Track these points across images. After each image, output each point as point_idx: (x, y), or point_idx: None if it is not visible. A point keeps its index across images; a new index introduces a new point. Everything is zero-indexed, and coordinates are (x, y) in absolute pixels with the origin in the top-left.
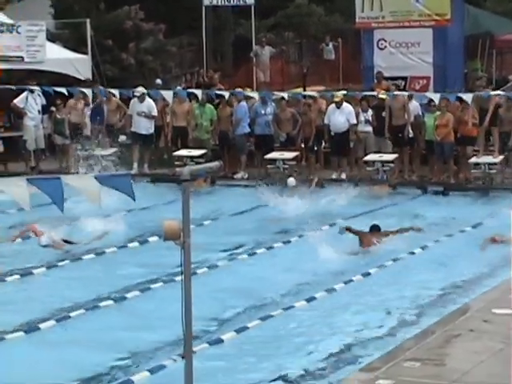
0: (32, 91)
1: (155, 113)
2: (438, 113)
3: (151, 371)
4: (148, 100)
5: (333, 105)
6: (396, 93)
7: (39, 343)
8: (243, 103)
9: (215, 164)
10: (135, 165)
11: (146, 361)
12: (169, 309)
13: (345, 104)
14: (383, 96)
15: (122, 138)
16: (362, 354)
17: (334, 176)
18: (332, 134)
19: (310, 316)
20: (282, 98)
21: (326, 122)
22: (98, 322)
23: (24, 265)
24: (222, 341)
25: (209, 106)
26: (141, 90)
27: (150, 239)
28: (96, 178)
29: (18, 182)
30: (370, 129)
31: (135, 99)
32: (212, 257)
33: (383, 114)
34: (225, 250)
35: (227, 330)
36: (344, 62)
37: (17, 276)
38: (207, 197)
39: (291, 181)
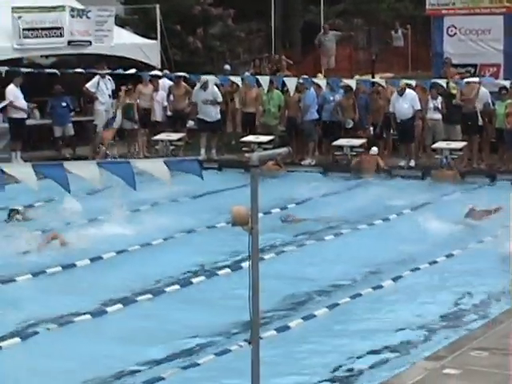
0: (103, 76)
1: (220, 99)
2: (509, 101)
3: (217, 354)
4: (211, 87)
5: (395, 92)
6: (467, 80)
7: (108, 324)
8: (311, 90)
9: (284, 150)
10: (202, 151)
11: (212, 345)
12: (235, 295)
13: (408, 90)
14: (453, 85)
15: (190, 123)
16: (429, 341)
17: (401, 163)
18: (398, 121)
19: (377, 301)
20: (348, 86)
21: (391, 109)
22: (164, 306)
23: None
24: (288, 327)
25: (276, 91)
26: (203, 78)
27: (218, 225)
28: (165, 162)
29: (89, 166)
30: (439, 116)
31: (198, 87)
32: (280, 243)
33: (453, 101)
34: (293, 236)
35: (294, 317)
36: (413, 48)
37: (87, 261)
38: (274, 183)
39: (374, 150)
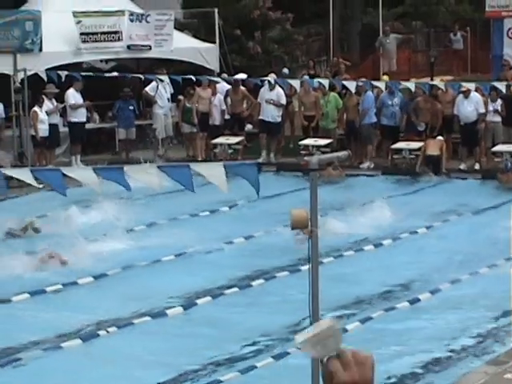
0: (161, 80)
1: (284, 101)
2: None
3: (275, 357)
4: (278, 88)
5: (461, 95)
6: None
7: (169, 328)
8: (370, 93)
9: (344, 153)
10: (263, 153)
11: (270, 349)
12: (294, 297)
13: (473, 93)
14: None
15: (249, 126)
16: (489, 346)
17: (461, 167)
18: (462, 123)
19: (438, 306)
20: (413, 90)
21: (455, 112)
22: (223, 309)
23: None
24: (346, 330)
25: (333, 94)
26: (272, 77)
27: (277, 228)
28: (224, 166)
29: (148, 169)
30: (498, 119)
31: (265, 87)
32: (339, 246)
33: None
34: (352, 240)
35: (352, 320)
36: (472, 51)
37: (146, 262)
38: (333, 186)
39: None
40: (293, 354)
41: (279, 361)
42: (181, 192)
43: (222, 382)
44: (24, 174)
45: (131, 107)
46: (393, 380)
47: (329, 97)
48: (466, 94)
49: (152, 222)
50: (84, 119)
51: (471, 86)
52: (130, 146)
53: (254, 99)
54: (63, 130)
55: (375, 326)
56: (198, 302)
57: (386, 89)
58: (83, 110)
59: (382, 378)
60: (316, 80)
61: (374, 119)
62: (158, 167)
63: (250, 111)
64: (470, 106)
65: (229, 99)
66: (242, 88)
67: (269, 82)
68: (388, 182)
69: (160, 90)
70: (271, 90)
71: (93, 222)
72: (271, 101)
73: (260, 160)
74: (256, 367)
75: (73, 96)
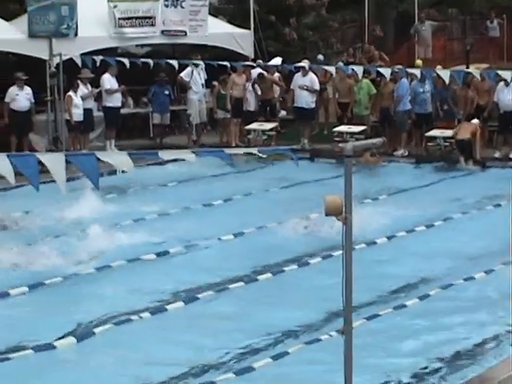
0: (196, 65)
1: (317, 87)
2: None
3: (307, 343)
4: (311, 74)
5: (501, 83)
6: None
7: (202, 311)
8: (404, 80)
9: (379, 140)
10: (303, 140)
11: (302, 335)
12: (327, 284)
13: None
14: None
15: (283, 113)
16: None
17: (496, 155)
18: (501, 112)
19: (472, 298)
20: (447, 77)
21: (495, 99)
22: (255, 295)
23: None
24: (378, 315)
25: (366, 81)
26: (305, 63)
27: (310, 215)
28: (259, 151)
29: (184, 154)
30: None
31: (298, 73)
32: (371, 233)
33: None
34: (385, 227)
35: (384, 307)
36: (509, 38)
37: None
38: (368, 173)
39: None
40: (324, 341)
41: (309, 347)
42: (212, 177)
43: (253, 368)
44: (58, 159)
45: (166, 92)
46: (427, 369)
47: (361, 83)
48: (507, 82)
49: (187, 206)
50: (119, 104)
51: (507, 74)
52: (165, 132)
53: (283, 85)
54: (97, 114)
55: (409, 314)
56: (230, 286)
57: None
58: (118, 95)
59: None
60: (350, 67)
61: (409, 106)
62: (194, 151)
63: (286, 97)
64: (510, 94)
65: (257, 87)
66: (270, 76)
67: (302, 67)
68: (422, 169)
69: (195, 75)
70: (304, 75)
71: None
72: (304, 87)
73: (294, 146)
74: (288, 353)
75: (108, 81)
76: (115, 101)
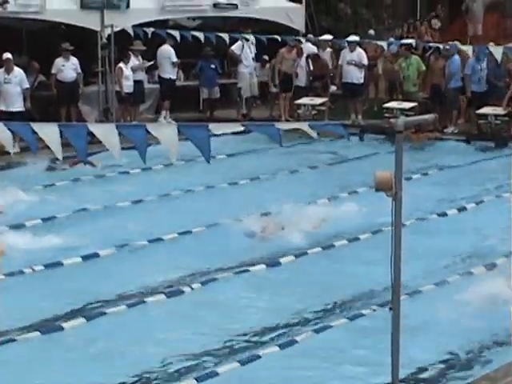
0: (247, 39)
1: (365, 62)
2: None
3: (350, 318)
4: (359, 49)
5: None
6: None
7: (252, 283)
8: (456, 57)
9: (430, 116)
10: (353, 116)
11: (346, 309)
12: (375, 260)
13: None
14: None
15: (333, 88)
16: None
17: None
18: None
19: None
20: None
21: None
22: (307, 266)
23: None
24: (419, 292)
25: (415, 57)
26: (353, 38)
27: (359, 189)
28: (310, 125)
29: (233, 128)
30: None
31: (346, 49)
32: (421, 210)
33: None
34: (435, 203)
35: (427, 282)
36: None
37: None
38: (417, 150)
39: None
40: (367, 317)
41: (353, 322)
42: (260, 151)
43: (296, 341)
44: (109, 131)
45: (213, 66)
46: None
47: (411, 60)
48: None
49: (234, 180)
50: (175, 76)
51: None
52: (214, 105)
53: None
54: (148, 86)
55: (452, 289)
56: (282, 260)
57: (473, 54)
58: (169, 66)
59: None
60: (400, 42)
61: (460, 83)
62: (243, 125)
63: (336, 72)
64: None
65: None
66: (324, 57)
67: (349, 42)
68: (472, 147)
69: (245, 49)
70: (352, 51)
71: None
72: (353, 62)
73: (346, 122)
74: (331, 326)
75: (167, 52)
76: (173, 72)
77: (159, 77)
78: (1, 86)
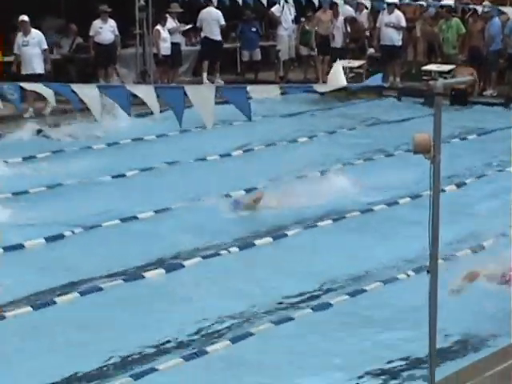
0: (286, 1)
1: (403, 24)
2: None
3: (384, 282)
4: (397, 11)
5: None
6: None
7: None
8: (496, 19)
9: (468, 78)
10: (391, 78)
11: (380, 273)
12: (414, 223)
13: None
14: None
15: (371, 50)
16: None
17: None
18: None
19: None
20: None
21: None
22: (339, 230)
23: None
24: (455, 256)
25: (455, 19)
26: (391, 0)
27: (395, 153)
28: (348, 86)
29: (271, 89)
30: None
31: (384, 11)
32: (458, 174)
33: None
34: (472, 168)
35: (461, 247)
36: None
37: None
38: (455, 112)
39: None
40: (401, 281)
41: (387, 285)
42: (297, 114)
43: (331, 304)
44: (147, 92)
45: (253, 29)
46: None
47: (450, 22)
48: None
49: (271, 142)
50: (219, 38)
51: None
52: (256, 67)
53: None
54: (185, 49)
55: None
56: (320, 224)
57: None
58: (217, 29)
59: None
60: (439, 4)
61: (500, 46)
62: (281, 87)
63: (374, 34)
64: None
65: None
66: (362, 21)
67: (388, 4)
68: (511, 110)
69: (285, 11)
70: (390, 13)
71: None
72: (391, 24)
73: (384, 84)
74: (365, 290)
75: (210, 14)
76: (219, 35)
77: (206, 38)
78: (20, 49)
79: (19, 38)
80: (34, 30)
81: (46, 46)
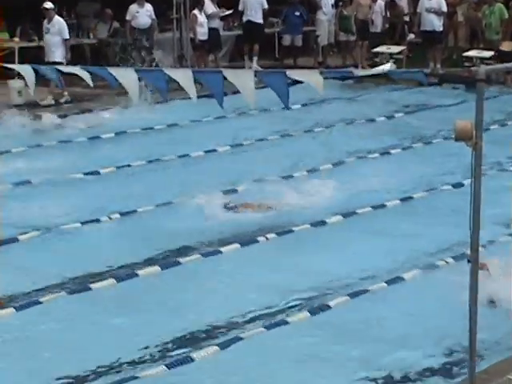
0: None
1: (444, 9)
2: None
3: (421, 268)
4: None
5: None
6: None
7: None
8: None
9: None
10: (431, 64)
11: (420, 261)
12: (458, 210)
13: None
14: None
15: (411, 36)
16: None
17: None
18: None
19: None
20: None
21: None
22: (388, 219)
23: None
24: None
25: (499, 5)
26: None
27: (434, 140)
28: (388, 72)
29: (311, 74)
30: None
31: None
32: (500, 161)
33: None
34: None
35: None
36: None
37: None
38: (497, 99)
39: None
40: (440, 268)
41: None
42: (334, 100)
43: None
44: (185, 75)
45: (297, 13)
46: None
47: (494, 7)
48: None
49: (308, 129)
50: (261, 21)
51: None
52: (296, 53)
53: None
54: (223, 34)
55: None
56: (359, 211)
57: None
58: (260, 12)
59: None
60: None
61: None
62: (321, 72)
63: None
64: None
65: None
66: (402, 4)
67: None
68: None
69: None
70: None
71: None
72: (432, 9)
73: (425, 70)
74: (403, 279)
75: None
76: (262, 19)
77: (248, 22)
78: (44, 36)
79: (44, 24)
80: (56, 18)
81: (67, 36)
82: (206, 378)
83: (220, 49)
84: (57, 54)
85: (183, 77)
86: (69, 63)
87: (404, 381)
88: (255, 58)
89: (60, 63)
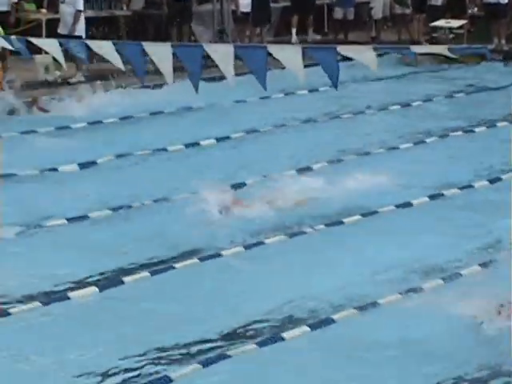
0: None
1: None
2: None
3: (481, 265)
4: None
5: None
6: None
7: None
8: None
9: None
10: (495, 40)
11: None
12: None
13: None
14: None
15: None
16: None
17: None
18: None
19: None
20: None
21: None
22: (436, 208)
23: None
24: None
25: None
26: None
27: (499, 124)
28: (448, 49)
29: (363, 49)
30: None
31: None
32: None
33: None
34: None
35: None
36: None
37: None
38: None
39: None
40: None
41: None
42: (391, 78)
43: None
44: (226, 51)
45: None
46: None
47: None
48: None
49: (361, 110)
50: None
51: None
52: (347, 27)
53: None
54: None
55: None
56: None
57: None
58: None
59: None
60: None
61: None
62: (374, 48)
63: None
64: None
65: None
66: None
67: None
68: None
69: None
70: None
71: None
72: None
73: (489, 47)
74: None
75: None
76: None
77: None
78: (59, 6)
79: None
80: None
81: (80, 7)
82: None
83: (269, 22)
84: (68, 25)
85: (224, 53)
86: (98, 38)
87: None
88: (310, 31)
89: (78, 37)
